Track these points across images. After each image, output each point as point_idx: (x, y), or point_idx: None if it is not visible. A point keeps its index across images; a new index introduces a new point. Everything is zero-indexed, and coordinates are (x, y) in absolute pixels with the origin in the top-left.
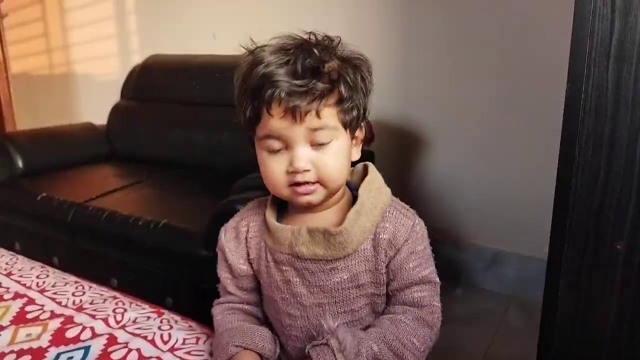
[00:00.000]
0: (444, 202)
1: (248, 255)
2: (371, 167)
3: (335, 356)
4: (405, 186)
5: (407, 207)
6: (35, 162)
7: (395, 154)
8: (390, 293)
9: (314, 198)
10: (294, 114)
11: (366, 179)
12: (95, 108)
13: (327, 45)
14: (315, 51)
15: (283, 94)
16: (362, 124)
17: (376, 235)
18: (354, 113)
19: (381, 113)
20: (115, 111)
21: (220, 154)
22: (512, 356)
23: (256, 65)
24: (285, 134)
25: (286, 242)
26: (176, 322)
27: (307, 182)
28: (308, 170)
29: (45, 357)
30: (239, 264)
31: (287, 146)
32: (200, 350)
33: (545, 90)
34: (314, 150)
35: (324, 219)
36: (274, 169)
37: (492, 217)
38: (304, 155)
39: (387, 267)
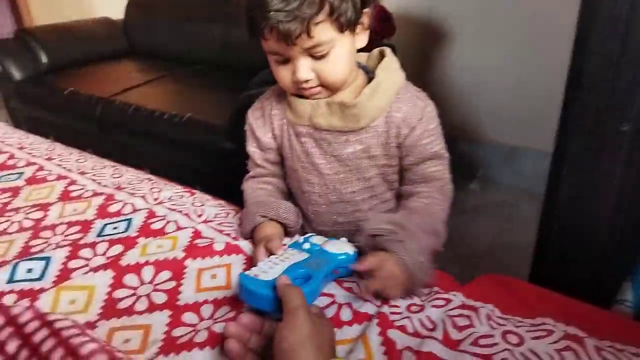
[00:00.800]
0: (463, 98)
1: (272, 130)
2: (388, 51)
3: (417, 255)
4: (425, 80)
5: (420, 90)
6: (58, 57)
7: (416, 47)
8: (407, 168)
9: (319, 96)
10: (286, 39)
11: (384, 60)
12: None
13: None
14: None
15: (273, 22)
16: (365, 10)
17: (390, 113)
18: (349, 13)
19: (403, 5)
20: (132, 5)
21: (238, 49)
22: (519, 243)
23: None
24: (283, 52)
25: (306, 114)
26: (207, 200)
27: (311, 87)
28: (310, 79)
29: (92, 227)
30: (266, 138)
31: (289, 59)
32: (231, 223)
33: None
34: (315, 60)
35: (340, 97)
36: (281, 77)
37: (510, 112)
38: (303, 66)
39: (401, 143)
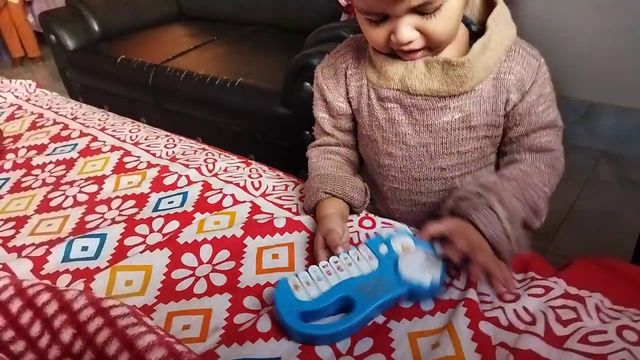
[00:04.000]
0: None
1: (347, 93)
2: None
3: (502, 223)
4: None
5: (532, 45)
6: (109, 25)
7: None
8: (514, 139)
9: (418, 56)
10: None
11: (496, 9)
12: None
13: None
14: None
15: None
16: None
17: (499, 75)
18: None
19: None
20: None
21: (291, 9)
22: (599, 210)
23: None
24: (383, 10)
25: (396, 76)
26: (264, 171)
27: (412, 49)
28: (413, 41)
29: (147, 201)
30: (338, 102)
31: (389, 16)
32: (290, 196)
33: None
34: (421, 16)
35: (444, 54)
36: (375, 38)
37: (589, 65)
38: (407, 25)
39: (510, 112)
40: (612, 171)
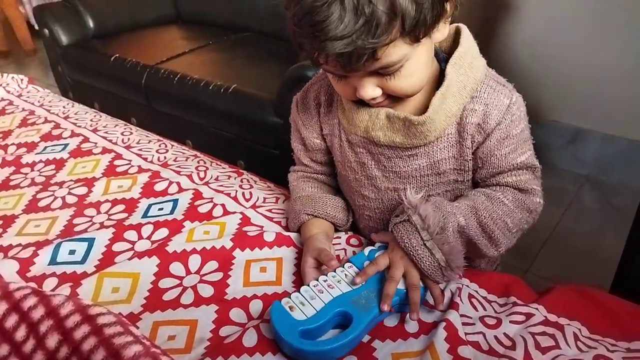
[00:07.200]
0: (526, 74)
1: (322, 130)
2: (464, 33)
3: (419, 233)
4: (483, 53)
5: (504, 81)
6: (105, 23)
7: (477, 18)
8: (479, 180)
9: (386, 106)
10: (345, 68)
11: (457, 52)
12: None
13: None
14: None
15: (330, 55)
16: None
17: (462, 119)
18: (428, 17)
19: None
20: None
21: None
22: (581, 233)
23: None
24: (342, 74)
25: (362, 124)
26: (255, 182)
27: (378, 102)
28: (377, 97)
29: (137, 206)
30: (312, 138)
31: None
32: (281, 209)
33: None
34: (382, 77)
35: (407, 101)
36: (341, 91)
37: (576, 92)
38: (369, 85)
39: (474, 153)
40: (595, 196)
